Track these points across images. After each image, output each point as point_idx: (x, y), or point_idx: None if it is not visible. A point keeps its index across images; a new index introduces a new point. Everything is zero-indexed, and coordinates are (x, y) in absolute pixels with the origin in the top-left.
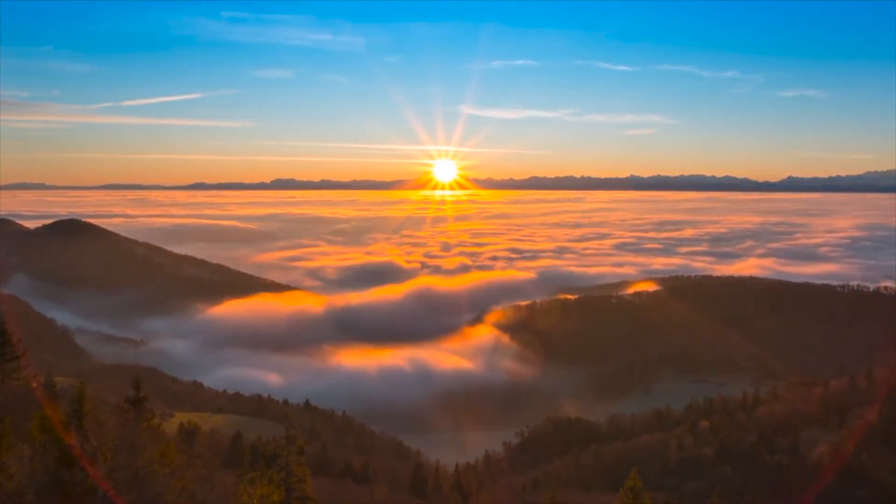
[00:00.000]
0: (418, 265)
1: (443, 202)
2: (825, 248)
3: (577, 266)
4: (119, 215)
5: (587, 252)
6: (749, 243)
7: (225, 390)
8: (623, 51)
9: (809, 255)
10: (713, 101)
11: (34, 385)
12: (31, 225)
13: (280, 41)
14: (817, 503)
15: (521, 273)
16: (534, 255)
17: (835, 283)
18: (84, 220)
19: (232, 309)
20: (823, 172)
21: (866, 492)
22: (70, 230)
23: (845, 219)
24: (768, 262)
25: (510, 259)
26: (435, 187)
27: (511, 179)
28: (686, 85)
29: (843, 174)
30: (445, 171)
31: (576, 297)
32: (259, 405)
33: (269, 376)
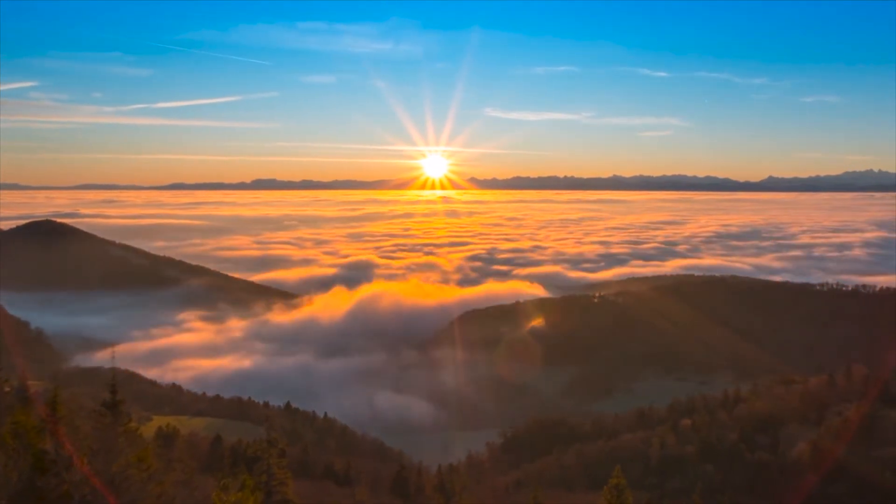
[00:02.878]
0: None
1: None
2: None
3: (556, 266)
4: (92, 216)
5: (566, 251)
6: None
7: (204, 393)
8: (665, 59)
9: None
10: (734, 106)
11: (7, 389)
12: (3, 226)
13: (346, 49)
14: (797, 499)
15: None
16: (513, 256)
17: (814, 282)
18: (58, 220)
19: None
20: (804, 172)
21: (845, 488)
22: (44, 231)
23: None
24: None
25: (489, 260)
26: (422, 186)
27: (494, 179)
28: (716, 91)
29: (822, 174)
30: (431, 170)
31: (558, 296)
32: (239, 407)
33: (246, 375)
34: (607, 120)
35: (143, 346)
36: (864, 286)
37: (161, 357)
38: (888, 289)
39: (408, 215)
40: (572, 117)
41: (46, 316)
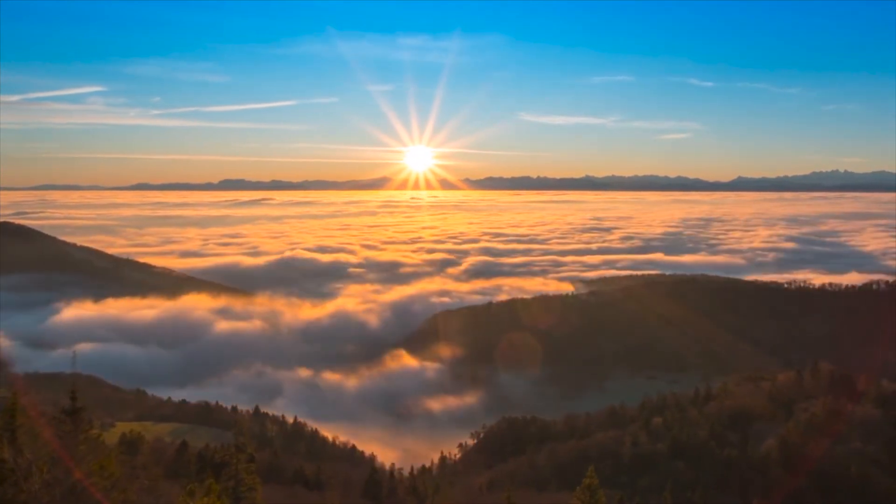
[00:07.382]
0: None
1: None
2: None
3: (529, 266)
4: (48, 217)
5: (543, 251)
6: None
7: (170, 398)
8: (716, 70)
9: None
10: (755, 112)
11: None
12: None
13: (435, 61)
14: (767, 495)
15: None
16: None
17: (782, 280)
18: (16, 221)
19: (173, 312)
20: (772, 173)
21: (812, 482)
22: (3, 233)
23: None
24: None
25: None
26: (400, 186)
27: (467, 179)
28: (748, 99)
29: (790, 174)
30: (406, 172)
31: (530, 297)
32: (206, 412)
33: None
34: (632, 124)
35: (107, 349)
36: (830, 284)
37: (126, 360)
38: (853, 286)
39: (338, 214)
40: (601, 121)
41: (3, 318)
